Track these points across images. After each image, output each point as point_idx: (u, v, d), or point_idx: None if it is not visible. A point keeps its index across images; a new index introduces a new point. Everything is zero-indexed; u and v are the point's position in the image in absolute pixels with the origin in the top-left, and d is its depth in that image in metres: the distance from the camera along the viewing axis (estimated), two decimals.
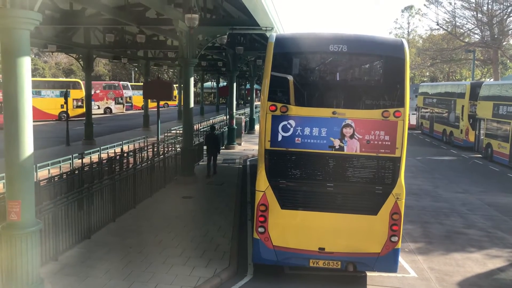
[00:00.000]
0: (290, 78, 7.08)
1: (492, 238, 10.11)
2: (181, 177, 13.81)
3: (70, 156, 14.37)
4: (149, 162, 12.25)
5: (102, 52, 24.36)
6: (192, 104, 13.93)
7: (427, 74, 52.15)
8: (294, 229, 7.09)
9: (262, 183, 7.09)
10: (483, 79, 42.23)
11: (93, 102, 50.45)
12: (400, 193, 6.99)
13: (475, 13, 34.25)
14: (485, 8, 33.94)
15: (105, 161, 12.69)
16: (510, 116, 19.35)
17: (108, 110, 50.48)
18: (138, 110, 50.80)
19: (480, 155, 22.60)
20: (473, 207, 12.79)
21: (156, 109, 16.16)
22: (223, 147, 21.48)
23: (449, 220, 11.46)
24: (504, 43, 34.00)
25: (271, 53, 6.95)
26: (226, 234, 9.28)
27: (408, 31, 53.52)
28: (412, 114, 36.03)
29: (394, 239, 7.03)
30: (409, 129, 34.80)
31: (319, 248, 7.06)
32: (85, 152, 15.40)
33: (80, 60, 22.33)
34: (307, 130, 6.96)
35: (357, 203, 7.02)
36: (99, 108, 49.64)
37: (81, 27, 18.21)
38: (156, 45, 22.10)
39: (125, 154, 13.81)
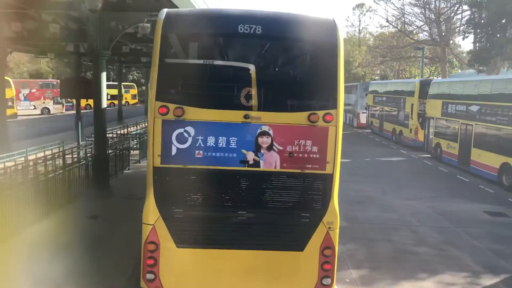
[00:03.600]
0: (187, 69, 5.27)
1: (445, 258, 8.78)
2: (94, 191, 11.66)
3: None
4: (45, 174, 10.02)
5: (20, 46, 21.48)
6: (105, 105, 11.81)
7: (378, 72, 52.09)
8: (195, 275, 5.30)
9: (151, 213, 5.24)
10: (432, 77, 42.44)
11: (28, 102, 46.79)
12: (333, 221, 5.37)
13: (423, 10, 34.02)
14: (432, 5, 33.75)
15: None
16: (459, 115, 18.54)
17: (46, 110, 46.60)
18: (82, 110, 47.21)
19: (429, 155, 21.83)
20: (423, 217, 11.54)
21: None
22: None
23: (397, 235, 10.08)
24: (451, 41, 33.94)
25: (159, 34, 5.09)
26: (125, 271, 7.32)
27: (359, 29, 53.28)
28: (363, 113, 35.42)
29: (327, 281, 5.38)
30: (359, 128, 34.25)
31: None
32: None
33: None
34: (210, 141, 5.18)
35: (277, 236, 5.32)
36: (35, 108, 45.84)
37: None
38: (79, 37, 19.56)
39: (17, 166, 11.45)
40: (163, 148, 5.13)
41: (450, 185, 15.76)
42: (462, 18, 29.62)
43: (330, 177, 5.28)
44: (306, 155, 5.21)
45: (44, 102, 47.29)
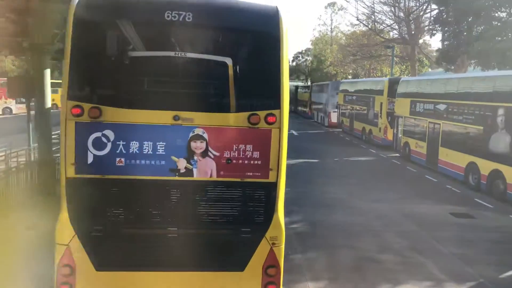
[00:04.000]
0: (105, 63, 4.54)
1: (409, 266, 8.31)
2: (38, 198, 10.71)
3: None
4: None
5: None
6: (49, 105, 10.88)
7: (350, 71, 52.12)
8: None
9: (64, 231, 4.48)
10: (403, 76, 42.63)
11: None
12: (277, 236, 4.74)
13: (393, 8, 34.02)
14: (402, 4, 33.78)
15: None
16: (427, 113, 18.32)
17: (7, 110, 44.52)
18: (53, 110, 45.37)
19: (398, 155, 21.62)
20: (389, 221, 11.10)
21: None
22: None
23: (361, 241, 9.58)
24: (421, 40, 34.06)
25: (71, 22, 4.34)
26: None
27: (331, 28, 53.21)
28: (333, 112, 35.21)
29: None
30: (330, 127, 33.92)
31: None
32: None
33: None
34: (134, 146, 4.46)
35: (214, 255, 4.66)
36: None
37: None
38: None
39: None
40: (77, 155, 4.39)
41: (418, 185, 15.47)
42: (431, 16, 29.67)
43: (274, 186, 4.65)
44: (246, 162, 4.57)
45: (5, 102, 45.18)
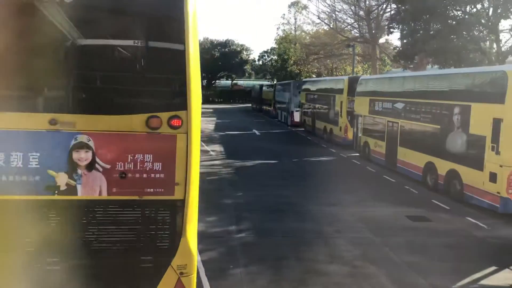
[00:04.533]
0: None
1: (359, 278, 7.69)
2: None
3: None
4: None
5: None
6: None
7: (315, 70, 51.89)
8: None
9: None
10: (366, 75, 42.73)
11: None
12: (186, 264, 3.94)
13: (354, 7, 33.89)
14: (362, 3, 33.69)
15: None
16: (386, 112, 17.96)
17: None
18: None
19: (358, 154, 21.25)
20: (342, 227, 10.50)
21: None
22: None
23: (311, 251, 8.91)
24: (382, 39, 34.11)
25: None
26: None
27: (295, 27, 52.81)
28: (296, 111, 34.76)
29: None
30: (293, 126, 33.51)
31: None
32: None
33: None
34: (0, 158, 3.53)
35: None
36: None
37: None
38: None
39: None
40: None
41: (376, 186, 15.02)
42: (391, 15, 29.60)
43: (181, 204, 3.84)
44: (145, 176, 3.75)
45: None
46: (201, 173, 15.35)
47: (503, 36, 20.83)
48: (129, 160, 3.69)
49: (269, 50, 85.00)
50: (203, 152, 21.49)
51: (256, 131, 31.79)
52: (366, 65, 41.80)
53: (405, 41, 22.02)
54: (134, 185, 3.73)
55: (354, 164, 19.41)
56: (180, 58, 3.73)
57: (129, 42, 3.84)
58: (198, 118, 3.88)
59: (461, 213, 11.84)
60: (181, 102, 3.75)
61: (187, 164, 3.80)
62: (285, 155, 21.03)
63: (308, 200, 12.84)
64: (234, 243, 9.16)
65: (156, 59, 3.91)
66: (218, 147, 23.46)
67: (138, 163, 3.71)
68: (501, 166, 11.03)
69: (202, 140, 25.87)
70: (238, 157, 20.22)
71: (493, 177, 11.29)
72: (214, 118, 44.37)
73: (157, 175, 3.76)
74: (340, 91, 24.27)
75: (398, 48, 23.71)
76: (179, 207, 3.83)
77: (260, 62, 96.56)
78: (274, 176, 16.26)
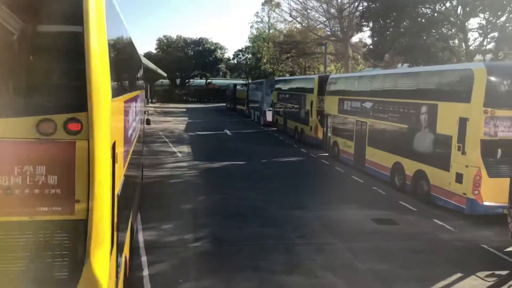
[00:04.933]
0: None
1: None
2: None
3: None
4: None
5: None
6: None
7: (290, 69, 51.48)
8: None
9: None
10: (339, 73, 42.56)
11: None
12: None
13: (325, 5, 33.62)
14: (334, 1, 33.45)
15: None
16: (354, 111, 17.62)
17: None
18: None
19: (328, 154, 20.89)
20: (306, 232, 10.01)
21: None
22: None
23: (270, 259, 8.36)
24: (355, 38, 33.96)
25: None
26: None
27: (268, 26, 52.28)
28: (269, 110, 34.29)
29: None
30: (266, 126, 32.95)
31: None
32: None
33: None
34: None
35: None
36: None
37: None
38: None
39: None
40: None
41: (344, 188, 14.62)
42: (361, 12, 29.38)
43: (83, 225, 3.17)
44: (37, 191, 3.07)
45: None
46: (164, 176, 14.60)
47: (471, 35, 20.78)
48: (15, 173, 3.03)
49: (243, 49, 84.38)
50: (170, 153, 20.74)
51: (227, 131, 31.16)
52: (339, 64, 41.66)
53: (375, 39, 21.78)
54: (23, 203, 3.06)
55: (323, 165, 19.02)
56: (78, 43, 3.06)
57: (11, 24, 3.14)
58: (106, 120, 3.23)
59: (428, 215, 11.53)
60: (80, 101, 3.10)
61: (89, 177, 3.16)
62: (255, 156, 20.49)
63: (273, 204, 12.32)
64: (188, 254, 8.53)
65: (46, 46, 3.22)
66: (186, 148, 22.73)
67: (28, 176, 3.05)
68: (467, 166, 10.74)
69: (170, 141, 25.09)
70: (205, 158, 19.57)
71: (459, 178, 11.00)
72: (186, 118, 43.50)
73: (52, 191, 3.10)
74: (310, 90, 23.88)
75: (368, 47, 23.44)
76: (80, 228, 3.18)
77: (235, 61, 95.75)
78: (240, 178, 15.70)
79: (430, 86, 12.77)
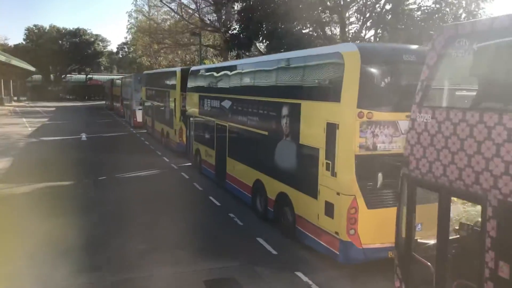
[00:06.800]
0: None
1: None
2: None
3: None
4: None
5: None
6: None
7: (168, 63, 46.24)
8: None
9: None
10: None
11: None
12: None
13: None
14: None
15: None
16: (214, 112, 13.84)
17: None
18: None
19: (191, 164, 16.94)
20: None
21: None
22: None
23: None
24: (231, 29, 30.29)
25: None
26: None
27: (148, 16, 46.68)
28: (139, 109, 29.42)
29: None
30: (136, 128, 27.29)
31: None
32: None
33: None
34: None
35: None
36: None
37: None
38: None
39: None
40: None
41: (192, 218, 10.68)
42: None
43: None
44: None
45: None
46: None
47: (349, 22, 18.20)
48: None
49: (129, 42, 77.24)
50: None
51: (84, 136, 25.68)
52: (222, 57, 38.02)
53: (242, 25, 18.28)
54: None
55: (182, 180, 14.98)
56: None
57: None
58: None
59: (292, 261, 8.10)
60: None
61: None
62: (97, 170, 15.78)
63: (58, 267, 7.88)
64: None
65: None
66: (5, 163, 17.08)
67: None
68: (338, 194, 7.41)
69: None
70: (21, 177, 14.42)
71: (329, 209, 7.66)
72: (45, 119, 36.61)
73: None
74: (173, 86, 19.64)
75: (230, 33, 19.79)
76: None
77: (120, 55, 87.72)
78: (49, 207, 10.87)
79: (291, 79, 9.34)
